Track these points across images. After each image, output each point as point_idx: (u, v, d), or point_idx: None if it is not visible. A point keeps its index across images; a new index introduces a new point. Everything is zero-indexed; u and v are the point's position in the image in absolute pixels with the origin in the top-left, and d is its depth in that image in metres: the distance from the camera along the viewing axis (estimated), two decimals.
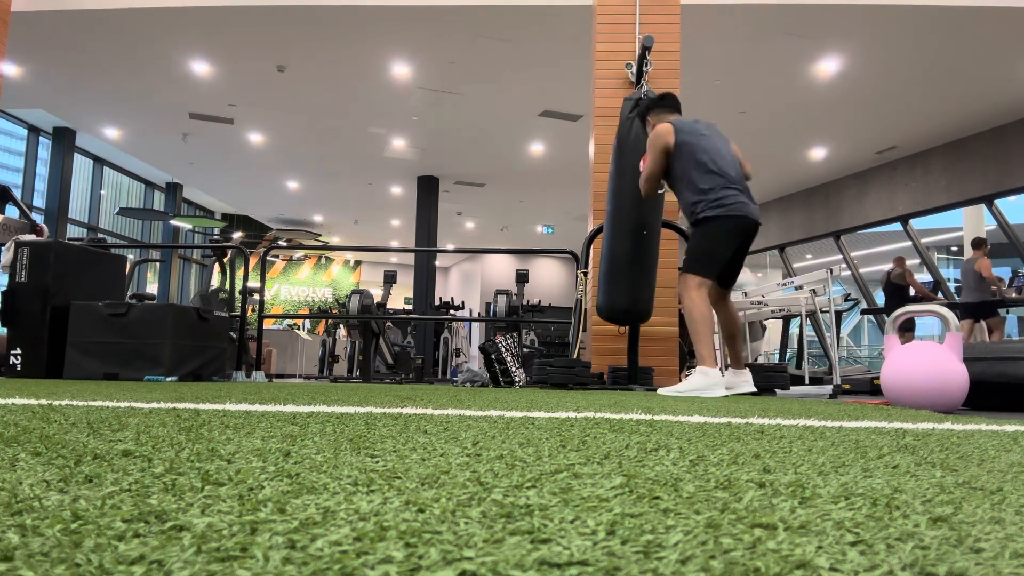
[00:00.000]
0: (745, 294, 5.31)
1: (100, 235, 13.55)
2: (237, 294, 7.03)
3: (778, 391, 4.55)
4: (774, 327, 7.07)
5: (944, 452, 1.05)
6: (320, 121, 10.62)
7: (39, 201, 12.10)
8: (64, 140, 11.91)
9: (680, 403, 2.58)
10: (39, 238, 5.19)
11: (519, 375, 5.07)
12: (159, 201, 15.71)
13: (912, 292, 9.74)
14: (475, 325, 18.90)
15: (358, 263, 22.08)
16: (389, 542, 0.43)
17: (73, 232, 12.91)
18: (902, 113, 9.59)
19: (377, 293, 9.44)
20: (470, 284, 21.32)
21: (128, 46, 8.28)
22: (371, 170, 13.11)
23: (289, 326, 13.86)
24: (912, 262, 10.53)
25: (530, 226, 17.34)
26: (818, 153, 11.35)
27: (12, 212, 6.03)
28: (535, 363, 4.73)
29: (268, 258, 9.32)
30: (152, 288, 15.65)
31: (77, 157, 12.66)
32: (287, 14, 7.42)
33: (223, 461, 0.79)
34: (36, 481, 0.64)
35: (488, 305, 15.82)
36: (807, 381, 5.03)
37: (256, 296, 9.57)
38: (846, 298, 6.58)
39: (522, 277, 9.38)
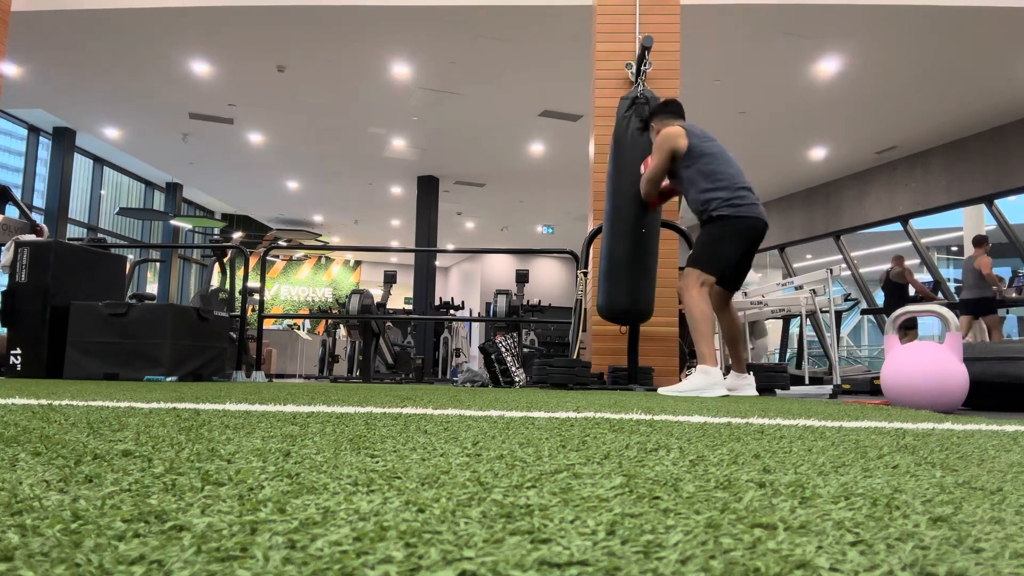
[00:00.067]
0: (745, 294, 5.31)
1: (100, 235, 13.55)
2: (237, 294, 7.03)
3: (778, 391, 4.56)
4: (774, 327, 7.07)
5: (944, 452, 1.05)
6: (320, 121, 10.62)
7: (39, 201, 12.10)
8: (64, 140, 11.91)
9: (680, 403, 2.58)
10: (39, 238, 5.19)
11: (519, 375, 5.07)
12: (159, 201, 15.71)
13: (912, 291, 9.74)
14: (475, 325, 18.90)
15: (358, 263, 22.08)
16: (389, 542, 0.43)
17: (73, 232, 12.91)
18: (902, 113, 9.59)
19: (377, 293, 9.45)
20: (470, 284, 21.32)
21: (128, 46, 8.28)
22: (371, 170, 13.11)
23: (289, 326, 13.86)
24: (912, 262, 10.53)
25: (530, 226, 17.34)
26: (818, 153, 11.35)
27: (12, 212, 6.03)
28: (535, 363, 4.73)
29: (268, 258, 9.32)
30: (152, 288, 15.65)
31: (77, 157, 12.66)
32: (287, 14, 7.42)
33: (223, 461, 0.79)
34: (36, 481, 0.64)
35: (488, 305, 15.83)
36: (807, 381, 5.03)
37: (256, 296, 9.57)
38: (846, 298, 6.58)
39: (522, 277, 9.38)
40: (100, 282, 5.07)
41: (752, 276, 6.73)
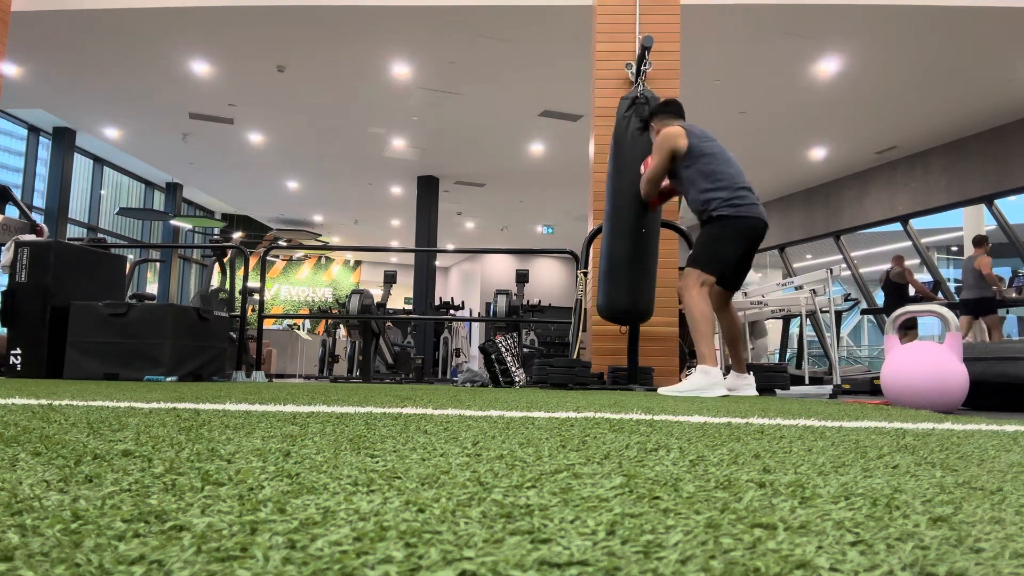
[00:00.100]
0: (745, 294, 5.31)
1: (100, 235, 13.55)
2: (237, 294, 7.03)
3: (778, 391, 4.56)
4: (774, 327, 7.07)
5: (944, 452, 1.05)
6: (320, 121, 10.62)
7: (39, 201, 12.10)
8: (64, 140, 11.91)
9: (680, 403, 2.58)
10: (39, 238, 5.19)
11: (519, 375, 5.07)
12: (159, 201, 15.71)
13: (912, 291, 9.74)
14: (475, 325, 18.90)
15: (358, 263, 22.09)
16: (389, 542, 0.43)
17: (73, 232, 12.91)
18: (902, 113, 9.59)
19: (377, 293, 9.45)
20: (470, 284, 21.32)
21: (128, 46, 8.28)
22: (371, 170, 13.11)
23: (289, 326, 13.86)
24: (912, 262, 10.53)
25: (530, 226, 17.34)
26: (818, 153, 11.35)
27: (12, 212, 6.03)
28: (535, 363, 4.73)
29: (268, 258, 9.33)
30: (152, 288, 15.65)
31: (77, 157, 12.66)
32: (287, 14, 7.42)
33: (223, 461, 0.79)
34: (36, 481, 0.64)
35: (488, 305, 15.83)
36: (807, 381, 5.03)
37: (256, 296, 9.57)
38: (846, 298, 6.59)
39: (522, 277, 9.38)
40: (100, 282, 5.07)
41: (753, 276, 6.73)
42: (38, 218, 10.88)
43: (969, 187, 10.35)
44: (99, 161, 13.79)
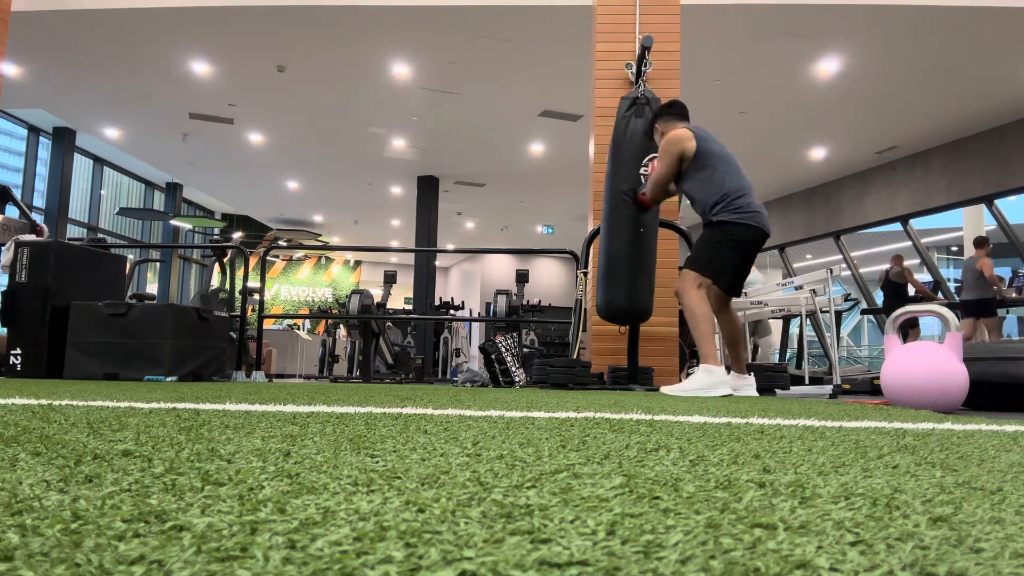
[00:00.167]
0: (745, 294, 5.31)
1: (100, 235, 13.55)
2: (237, 294, 7.03)
3: (778, 391, 4.56)
4: (774, 327, 7.07)
5: (944, 452, 1.05)
6: (320, 121, 10.62)
7: (39, 201, 12.10)
8: (64, 140, 11.90)
9: (680, 403, 2.58)
10: (39, 238, 5.19)
11: (519, 375, 5.07)
12: (159, 201, 15.71)
13: (912, 291, 9.74)
14: (475, 325, 18.90)
15: (358, 263, 22.09)
16: (389, 542, 0.43)
17: (73, 232, 12.90)
18: (902, 113, 9.59)
19: (377, 293, 9.44)
20: (470, 284, 21.32)
21: (128, 46, 8.28)
22: (371, 170, 13.11)
23: (289, 326, 13.86)
24: (912, 262, 10.53)
25: (530, 226, 17.34)
26: (818, 153, 11.35)
27: (12, 212, 6.03)
28: (535, 363, 4.73)
29: (268, 258, 9.33)
30: (152, 288, 15.65)
31: (77, 157, 12.66)
32: (287, 14, 7.42)
33: (223, 461, 0.79)
34: (36, 481, 0.64)
35: (488, 305, 15.82)
36: (807, 381, 5.03)
37: (256, 296, 9.57)
38: (846, 298, 6.58)
39: (522, 277, 9.38)
40: (100, 282, 5.07)
41: (758, 276, 6.73)
42: (38, 218, 10.88)
43: (969, 187, 10.35)
44: (99, 161, 13.79)
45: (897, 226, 11.72)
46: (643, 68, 4.98)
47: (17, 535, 0.43)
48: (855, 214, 12.31)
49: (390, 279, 9.41)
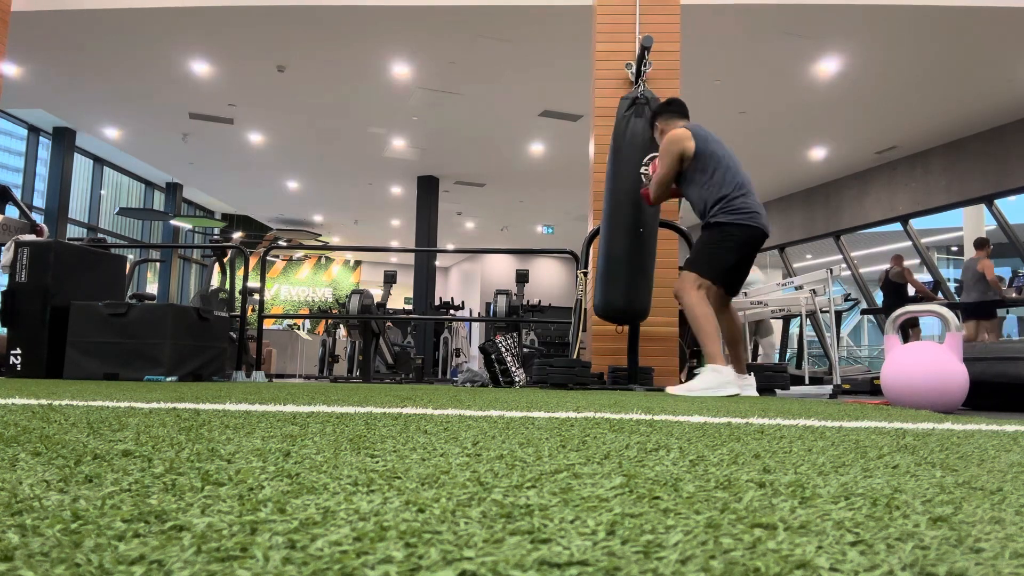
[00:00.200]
0: (745, 294, 5.31)
1: (100, 235, 13.55)
2: (237, 294, 7.03)
3: (778, 391, 4.55)
4: (774, 327, 7.07)
5: (944, 452, 1.05)
6: (320, 121, 10.62)
7: (39, 201, 12.10)
8: (64, 140, 11.91)
9: (680, 403, 2.58)
10: (39, 238, 5.19)
11: (519, 375, 5.07)
12: (159, 201, 15.71)
13: (912, 291, 9.74)
14: (475, 325, 18.90)
15: (358, 263, 22.09)
16: (389, 542, 0.43)
17: (73, 232, 12.91)
18: (902, 113, 9.59)
19: (377, 293, 9.44)
20: (470, 284, 21.32)
21: (128, 46, 8.28)
22: (371, 170, 13.11)
23: (289, 326, 13.86)
24: (912, 262, 10.53)
25: (530, 226, 17.34)
26: (818, 153, 11.35)
27: (12, 212, 6.03)
28: (535, 363, 4.73)
29: (268, 258, 9.33)
30: (152, 288, 15.65)
31: (77, 157, 12.66)
32: (287, 14, 7.42)
33: (223, 461, 0.79)
34: (36, 481, 0.64)
35: (488, 305, 15.82)
36: (807, 381, 5.03)
37: (256, 296, 9.57)
38: (846, 298, 6.58)
39: (522, 277, 9.38)
40: (100, 282, 5.07)
41: (758, 276, 6.73)
42: (38, 218, 10.88)
43: (969, 187, 10.35)
44: (99, 161, 13.79)
45: (897, 226, 11.72)
46: (643, 68, 4.98)
47: (17, 535, 0.43)
48: (855, 214, 12.31)
49: (390, 279, 9.41)
